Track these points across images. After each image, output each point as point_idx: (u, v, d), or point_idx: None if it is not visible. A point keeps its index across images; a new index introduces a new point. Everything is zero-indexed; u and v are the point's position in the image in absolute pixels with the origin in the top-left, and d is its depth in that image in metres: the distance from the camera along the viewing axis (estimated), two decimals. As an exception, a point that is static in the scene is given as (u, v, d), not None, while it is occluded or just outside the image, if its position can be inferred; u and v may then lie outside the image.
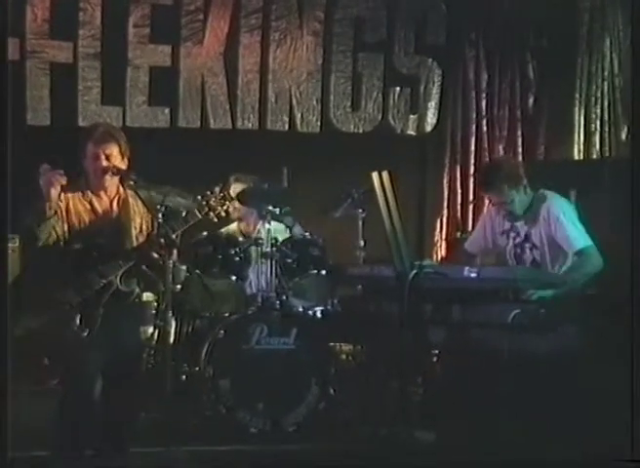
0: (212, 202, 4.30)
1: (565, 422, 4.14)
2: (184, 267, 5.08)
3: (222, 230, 5.56)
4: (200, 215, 4.30)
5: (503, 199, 4.78)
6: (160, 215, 4.28)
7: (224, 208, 4.34)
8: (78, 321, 4.16)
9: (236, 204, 5.70)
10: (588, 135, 7.12)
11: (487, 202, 5.30)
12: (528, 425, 4.15)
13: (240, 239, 5.42)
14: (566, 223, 4.66)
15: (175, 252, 4.30)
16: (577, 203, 5.10)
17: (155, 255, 4.26)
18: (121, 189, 4.37)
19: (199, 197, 4.29)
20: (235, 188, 5.14)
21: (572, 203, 4.92)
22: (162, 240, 4.23)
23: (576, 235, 4.63)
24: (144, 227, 4.39)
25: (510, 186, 4.75)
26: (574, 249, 4.62)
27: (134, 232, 4.35)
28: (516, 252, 4.84)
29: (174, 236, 4.24)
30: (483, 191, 5.15)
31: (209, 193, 4.32)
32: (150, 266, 4.32)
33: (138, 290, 4.32)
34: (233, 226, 5.84)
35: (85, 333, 4.16)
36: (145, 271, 4.32)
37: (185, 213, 4.32)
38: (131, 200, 4.37)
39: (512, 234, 4.88)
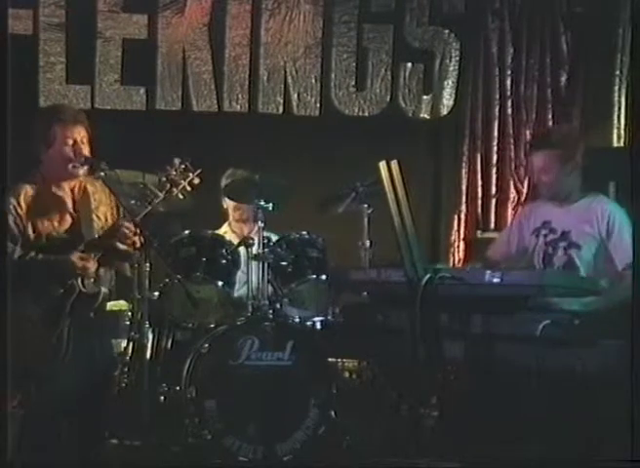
0: (173, 176, 4.35)
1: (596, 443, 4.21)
2: (163, 271, 5.13)
3: (217, 230, 5.63)
4: (162, 194, 4.35)
5: (557, 179, 4.80)
6: (122, 202, 4.32)
7: (188, 181, 4.38)
8: (39, 334, 4.20)
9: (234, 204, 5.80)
10: (631, 118, 7.16)
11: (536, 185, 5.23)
12: (557, 451, 4.21)
13: (227, 239, 5.46)
14: (625, 236, 4.69)
15: (138, 240, 4.32)
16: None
17: (119, 247, 4.29)
18: (82, 180, 4.44)
19: (158, 173, 4.33)
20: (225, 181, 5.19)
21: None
22: (124, 229, 4.26)
23: (629, 251, 4.66)
24: (110, 219, 4.45)
25: (567, 164, 4.78)
26: (622, 265, 4.66)
27: (96, 225, 4.40)
28: (546, 251, 4.87)
29: (137, 219, 4.27)
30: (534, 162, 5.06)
31: (168, 167, 4.37)
32: (117, 260, 4.35)
33: (105, 291, 4.35)
34: (226, 226, 5.91)
35: (48, 348, 4.21)
36: (111, 265, 4.35)
37: (146, 193, 4.35)
38: (90, 189, 4.43)
39: (544, 231, 4.90)
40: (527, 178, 7.04)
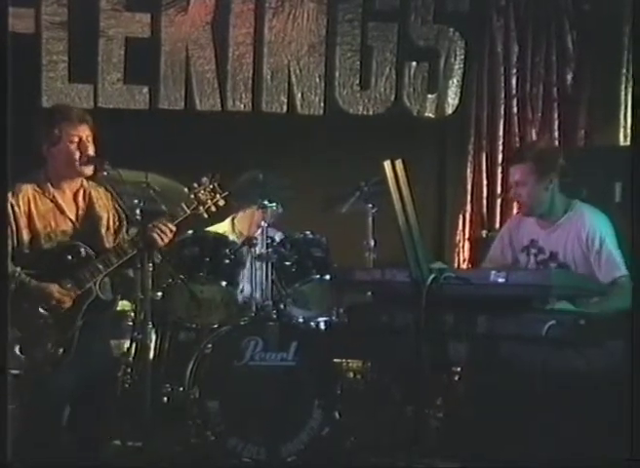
0: (200, 195, 4.42)
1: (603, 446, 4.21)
2: (167, 271, 5.14)
3: (215, 229, 5.63)
4: (189, 211, 4.43)
5: (533, 194, 4.84)
6: (138, 211, 4.37)
7: (215, 201, 4.47)
8: (50, 338, 4.23)
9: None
10: (637, 117, 7.16)
11: (513, 200, 5.30)
12: (559, 450, 4.21)
13: (231, 239, 5.47)
14: (605, 249, 4.72)
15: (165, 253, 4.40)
16: (618, 208, 5.13)
17: (139, 257, 4.34)
18: (84, 181, 4.46)
19: (186, 190, 4.40)
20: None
21: (610, 218, 4.92)
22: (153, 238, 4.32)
23: (614, 263, 4.69)
24: (113, 224, 4.50)
25: (543, 178, 4.80)
26: (608, 279, 4.68)
27: (103, 230, 4.44)
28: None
29: (166, 235, 4.36)
30: (510, 177, 5.13)
31: (196, 185, 4.42)
32: (133, 270, 4.41)
33: (118, 298, 4.41)
34: (227, 224, 5.91)
35: (59, 353, 4.24)
36: (127, 276, 4.40)
37: (172, 208, 4.42)
38: (94, 193, 4.46)
39: (533, 250, 4.92)
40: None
